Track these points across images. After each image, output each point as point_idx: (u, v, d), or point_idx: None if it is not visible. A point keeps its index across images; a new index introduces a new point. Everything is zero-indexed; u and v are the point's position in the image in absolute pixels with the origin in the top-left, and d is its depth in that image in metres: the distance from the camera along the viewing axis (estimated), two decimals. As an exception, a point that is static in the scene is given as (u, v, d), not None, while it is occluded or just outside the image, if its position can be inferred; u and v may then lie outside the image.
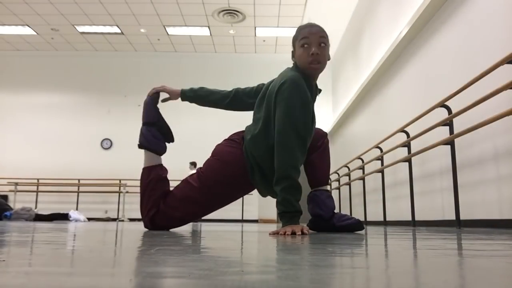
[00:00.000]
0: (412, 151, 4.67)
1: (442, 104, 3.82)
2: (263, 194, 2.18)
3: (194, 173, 2.22)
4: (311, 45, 1.96)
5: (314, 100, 2.09)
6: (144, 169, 2.30)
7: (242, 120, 11.45)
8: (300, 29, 2.03)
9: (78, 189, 10.66)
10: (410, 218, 4.69)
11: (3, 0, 8.65)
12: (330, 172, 9.48)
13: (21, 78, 11.43)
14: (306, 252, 0.89)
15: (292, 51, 2.09)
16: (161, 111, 2.48)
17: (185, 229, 2.44)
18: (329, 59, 2.06)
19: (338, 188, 8.76)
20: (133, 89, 11.27)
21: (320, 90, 2.19)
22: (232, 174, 2.11)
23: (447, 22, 4.34)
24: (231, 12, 8.92)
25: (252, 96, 2.29)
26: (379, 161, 5.92)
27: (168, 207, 2.18)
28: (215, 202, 2.19)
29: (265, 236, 1.76)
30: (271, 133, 1.99)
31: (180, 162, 10.82)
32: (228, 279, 0.49)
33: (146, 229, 2.29)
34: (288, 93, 1.91)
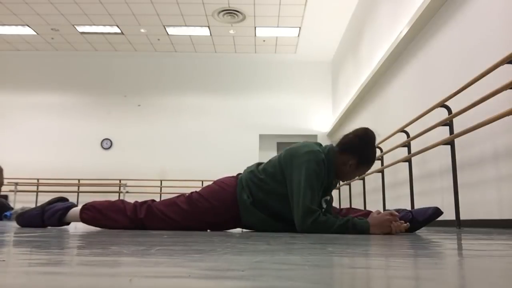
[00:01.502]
0: (412, 151, 4.67)
1: (442, 104, 3.82)
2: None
3: (182, 198, 2.20)
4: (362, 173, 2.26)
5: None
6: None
7: (241, 119, 11.43)
8: (370, 160, 2.21)
9: (78, 189, 10.65)
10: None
11: (3, 0, 8.65)
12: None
13: (21, 78, 11.41)
14: (306, 252, 0.89)
15: (351, 158, 2.14)
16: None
17: (185, 229, 2.43)
18: None
19: (338, 188, 8.76)
20: (133, 89, 11.27)
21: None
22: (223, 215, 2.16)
23: (447, 22, 4.34)
24: (231, 12, 8.91)
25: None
26: (379, 161, 5.92)
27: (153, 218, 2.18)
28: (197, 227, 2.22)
29: (265, 236, 1.76)
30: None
31: (180, 162, 10.82)
32: (228, 279, 0.49)
33: (146, 229, 2.28)
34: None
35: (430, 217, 2.13)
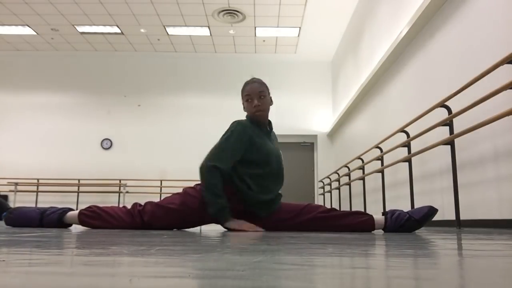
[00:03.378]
0: (412, 151, 4.67)
1: (442, 104, 3.82)
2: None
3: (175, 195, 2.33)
4: (253, 99, 2.41)
5: (268, 137, 2.48)
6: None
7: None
8: (244, 85, 2.46)
9: (78, 189, 10.65)
10: (410, 218, 4.69)
11: (3, 0, 8.65)
12: (330, 172, 9.52)
13: (21, 78, 11.42)
14: (306, 252, 0.90)
15: (243, 104, 2.47)
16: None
17: (185, 230, 2.44)
18: (271, 104, 2.51)
19: (338, 188, 8.76)
20: (133, 89, 11.27)
21: (271, 126, 2.55)
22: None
23: (447, 22, 4.34)
24: (231, 12, 8.91)
25: None
26: (379, 161, 5.92)
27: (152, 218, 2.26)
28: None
29: (264, 236, 1.75)
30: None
31: (180, 162, 10.81)
32: (228, 279, 0.49)
33: (146, 230, 2.29)
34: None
35: (426, 215, 2.16)
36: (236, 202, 2.27)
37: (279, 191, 2.42)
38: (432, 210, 2.17)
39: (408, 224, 2.17)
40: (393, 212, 2.25)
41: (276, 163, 2.37)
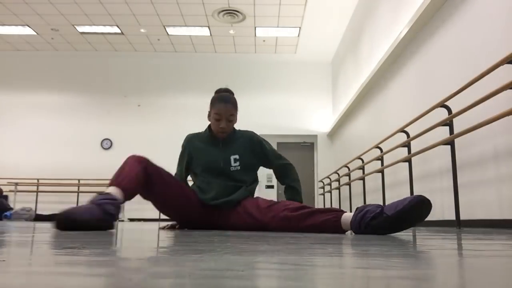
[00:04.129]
0: (412, 151, 4.67)
1: (442, 104, 3.82)
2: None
3: None
4: (222, 120, 2.35)
5: (222, 146, 2.42)
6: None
7: (241, 119, 11.37)
8: (215, 101, 2.38)
9: (78, 189, 10.64)
10: (410, 218, 4.69)
11: (3, 0, 8.65)
12: (330, 172, 9.52)
13: (21, 78, 11.41)
14: (306, 252, 0.90)
15: (209, 112, 2.41)
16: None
17: (184, 229, 2.44)
18: (235, 122, 2.45)
19: (338, 188, 8.77)
20: (133, 89, 11.26)
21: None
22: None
23: (447, 22, 4.34)
24: (231, 12, 8.91)
25: None
26: (379, 161, 5.92)
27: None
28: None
29: (264, 236, 1.75)
30: None
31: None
32: (228, 279, 0.49)
33: (146, 229, 2.29)
34: None
35: (403, 210, 1.55)
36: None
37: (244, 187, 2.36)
38: (416, 202, 1.54)
39: (376, 223, 1.61)
40: (363, 207, 1.72)
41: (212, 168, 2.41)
